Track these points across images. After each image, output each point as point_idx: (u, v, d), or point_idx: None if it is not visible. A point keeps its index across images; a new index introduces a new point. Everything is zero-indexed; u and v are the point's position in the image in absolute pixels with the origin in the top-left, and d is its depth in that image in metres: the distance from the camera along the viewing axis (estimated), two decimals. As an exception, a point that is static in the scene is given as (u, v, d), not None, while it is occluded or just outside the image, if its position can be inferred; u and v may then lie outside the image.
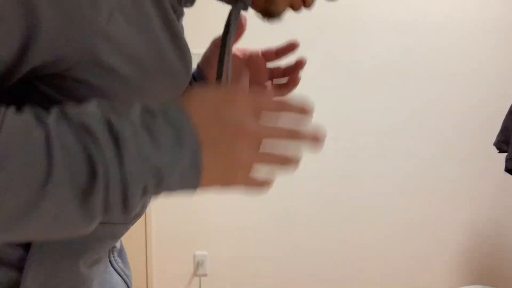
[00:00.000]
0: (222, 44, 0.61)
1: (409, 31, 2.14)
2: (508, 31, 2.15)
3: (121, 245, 0.69)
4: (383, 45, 2.14)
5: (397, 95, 2.17)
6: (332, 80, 2.14)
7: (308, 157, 2.23)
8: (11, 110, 0.36)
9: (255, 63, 0.74)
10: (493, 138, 1.78)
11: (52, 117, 0.37)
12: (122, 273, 0.66)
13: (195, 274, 2.22)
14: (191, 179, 0.41)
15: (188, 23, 2.15)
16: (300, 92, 2.27)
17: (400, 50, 2.14)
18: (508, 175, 1.72)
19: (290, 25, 2.09)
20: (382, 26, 2.13)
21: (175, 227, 2.20)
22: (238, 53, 0.74)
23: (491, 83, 2.17)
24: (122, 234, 0.60)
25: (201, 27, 2.00)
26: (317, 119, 1.95)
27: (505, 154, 1.69)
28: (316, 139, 0.46)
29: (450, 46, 2.15)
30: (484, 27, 2.15)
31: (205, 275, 2.21)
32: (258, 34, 2.07)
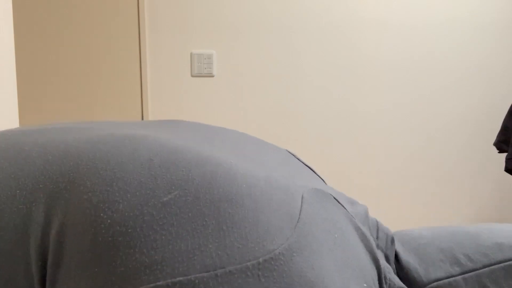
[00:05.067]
0: None
1: (409, 32, 2.14)
2: (508, 31, 2.15)
3: None
4: (384, 46, 2.14)
5: (396, 95, 2.17)
6: (333, 81, 2.14)
7: (308, 158, 2.23)
8: None
9: None
10: (493, 138, 1.78)
11: None
12: None
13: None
14: None
15: (189, 23, 2.16)
16: (301, 92, 2.26)
17: (400, 50, 2.14)
18: (508, 175, 1.73)
19: (291, 25, 2.09)
20: (383, 27, 2.13)
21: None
22: None
23: (491, 83, 2.17)
24: None
25: (201, 27, 2.00)
26: (317, 120, 1.95)
27: (505, 154, 1.69)
28: None
29: (450, 46, 2.15)
30: (484, 27, 2.15)
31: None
32: (258, 34, 2.07)
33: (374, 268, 0.38)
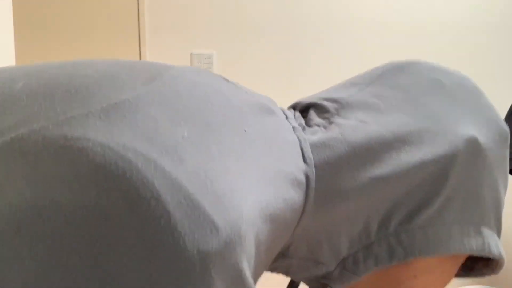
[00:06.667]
0: None
1: (409, 32, 2.14)
2: (508, 31, 2.15)
3: None
4: (384, 46, 2.14)
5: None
6: (333, 81, 2.14)
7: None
8: None
9: None
10: (493, 138, 1.78)
11: None
12: None
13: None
14: None
15: (189, 23, 2.16)
16: (301, 92, 2.27)
17: (401, 51, 2.14)
18: (508, 175, 1.73)
19: (291, 25, 2.09)
20: (383, 27, 2.13)
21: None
22: None
23: (492, 83, 2.17)
24: None
25: (201, 27, 2.00)
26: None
27: (505, 154, 1.69)
28: None
29: (450, 46, 2.15)
30: (484, 27, 2.15)
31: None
32: (258, 34, 2.07)
33: (275, 116, 0.41)
